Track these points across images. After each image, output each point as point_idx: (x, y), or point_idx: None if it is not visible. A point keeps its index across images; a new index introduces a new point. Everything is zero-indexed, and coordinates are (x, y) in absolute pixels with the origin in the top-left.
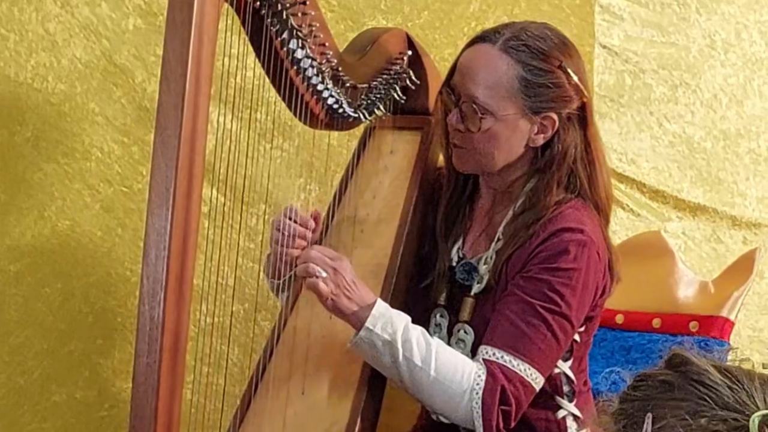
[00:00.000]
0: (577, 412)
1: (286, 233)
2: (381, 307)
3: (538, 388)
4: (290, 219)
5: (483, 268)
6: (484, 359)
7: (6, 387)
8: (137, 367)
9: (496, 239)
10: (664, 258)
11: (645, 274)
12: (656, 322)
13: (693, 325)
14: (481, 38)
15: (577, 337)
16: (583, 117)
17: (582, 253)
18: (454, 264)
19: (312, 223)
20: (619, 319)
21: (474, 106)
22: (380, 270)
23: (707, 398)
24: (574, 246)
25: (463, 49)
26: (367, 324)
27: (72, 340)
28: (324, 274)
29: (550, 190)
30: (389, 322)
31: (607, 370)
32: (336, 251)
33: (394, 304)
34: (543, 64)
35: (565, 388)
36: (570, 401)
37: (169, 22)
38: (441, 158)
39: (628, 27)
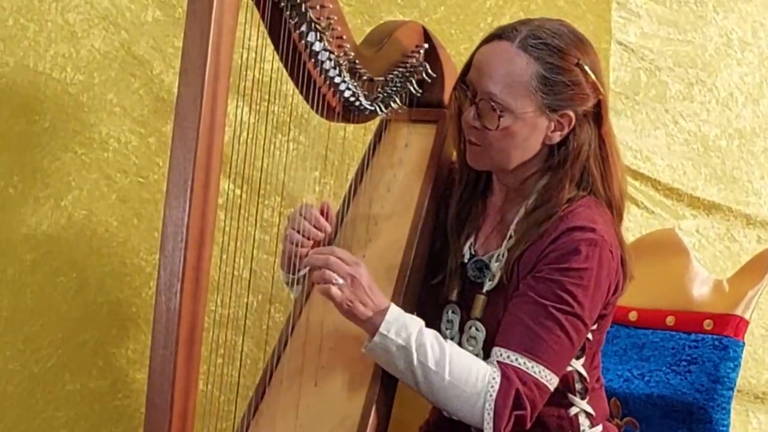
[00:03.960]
0: (589, 409)
1: (300, 231)
2: (394, 311)
3: (552, 388)
4: (305, 219)
5: (495, 266)
6: (498, 361)
7: (20, 375)
8: (153, 358)
9: (508, 236)
10: (678, 256)
11: (659, 272)
12: (670, 320)
13: (707, 324)
14: (498, 36)
15: (589, 335)
16: (598, 114)
17: (593, 252)
18: (466, 261)
19: (328, 228)
20: (633, 316)
21: (492, 103)
22: (394, 264)
23: None
24: (585, 245)
25: (479, 46)
26: (381, 329)
27: (86, 329)
28: (341, 281)
29: (563, 187)
30: (403, 326)
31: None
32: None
33: (407, 299)
34: (561, 61)
35: (578, 386)
36: (582, 398)
37: (188, 14)
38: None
39: (645, 24)
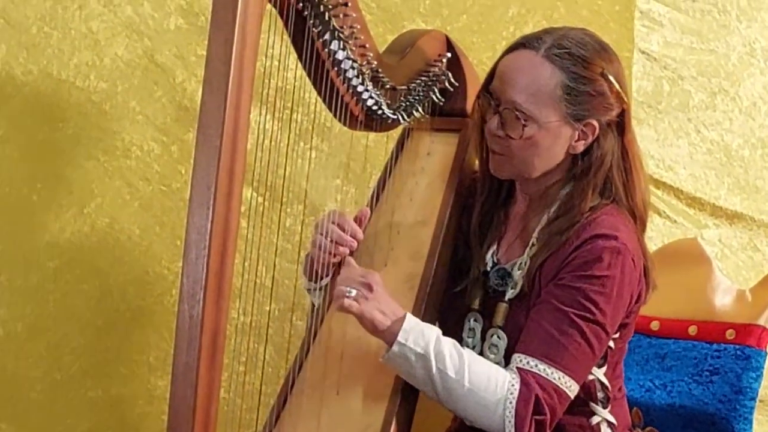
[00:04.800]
0: (611, 419)
1: (329, 239)
2: (411, 320)
3: (572, 396)
4: (336, 225)
5: (517, 274)
6: (517, 368)
7: (43, 382)
8: (176, 365)
9: (530, 245)
10: (700, 265)
11: (681, 282)
12: (692, 330)
13: (729, 333)
14: (523, 45)
15: (611, 343)
16: (621, 124)
17: (616, 261)
18: (488, 269)
19: (360, 235)
20: (655, 325)
21: (516, 112)
22: (416, 273)
23: None
24: (608, 253)
25: (503, 55)
26: (399, 338)
27: (109, 336)
28: (354, 293)
29: (586, 196)
30: (420, 335)
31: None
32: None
33: (429, 308)
34: (586, 71)
35: (600, 395)
36: (604, 407)
37: (213, 22)
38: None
39: (668, 33)
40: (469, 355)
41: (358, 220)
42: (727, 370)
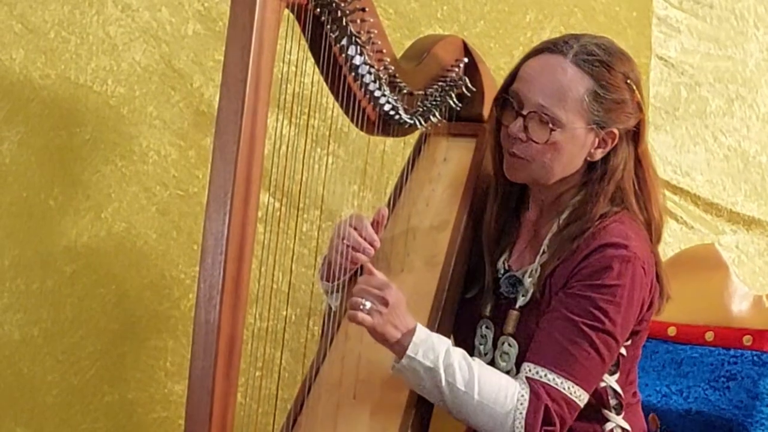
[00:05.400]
0: (625, 425)
1: (348, 243)
2: (422, 333)
3: (582, 405)
4: (355, 229)
5: (528, 282)
6: (527, 377)
7: (59, 386)
8: (193, 370)
9: (541, 252)
10: (717, 271)
11: (698, 287)
12: (709, 336)
13: (747, 339)
14: (549, 49)
15: (623, 351)
16: (637, 134)
17: (626, 269)
18: (499, 276)
19: (377, 242)
20: (672, 331)
21: (543, 116)
22: (432, 280)
23: None
24: (618, 262)
25: (525, 59)
26: (409, 352)
27: (125, 341)
28: (368, 306)
29: (597, 203)
30: (431, 348)
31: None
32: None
33: (445, 315)
34: (612, 79)
35: (612, 402)
36: (618, 414)
37: (230, 27)
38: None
39: (685, 39)
40: (478, 366)
41: (375, 223)
42: (743, 375)
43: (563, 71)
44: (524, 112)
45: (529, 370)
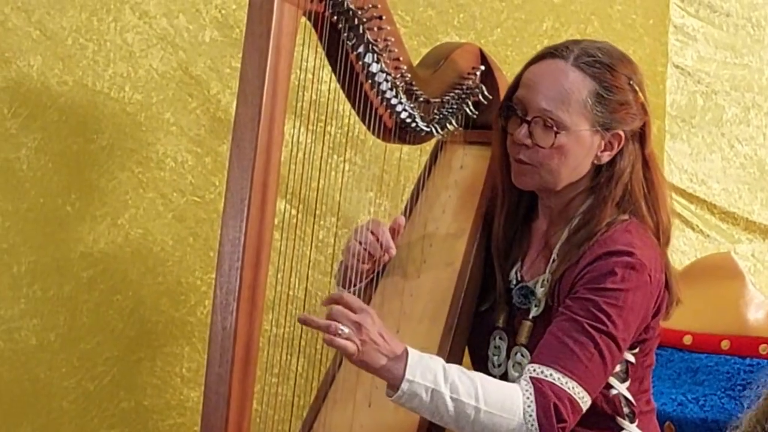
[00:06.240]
0: None
1: (364, 246)
2: (414, 355)
3: (585, 408)
4: (372, 234)
5: (540, 291)
6: (531, 377)
7: (75, 392)
8: (209, 377)
9: (551, 261)
10: (733, 280)
11: (714, 296)
12: (725, 344)
13: (763, 348)
14: (550, 54)
15: (631, 358)
16: (643, 135)
17: (630, 275)
18: (512, 287)
19: (393, 250)
20: (687, 340)
21: (547, 120)
22: (448, 287)
23: None
24: (621, 268)
25: (528, 65)
26: (407, 376)
27: (141, 347)
28: (346, 331)
29: (605, 207)
30: (427, 368)
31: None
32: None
33: (461, 323)
34: (614, 80)
35: (625, 410)
36: (631, 422)
37: (247, 34)
38: None
39: (702, 48)
40: (479, 377)
41: (392, 230)
42: (760, 384)
43: (565, 75)
44: (528, 118)
45: (534, 370)
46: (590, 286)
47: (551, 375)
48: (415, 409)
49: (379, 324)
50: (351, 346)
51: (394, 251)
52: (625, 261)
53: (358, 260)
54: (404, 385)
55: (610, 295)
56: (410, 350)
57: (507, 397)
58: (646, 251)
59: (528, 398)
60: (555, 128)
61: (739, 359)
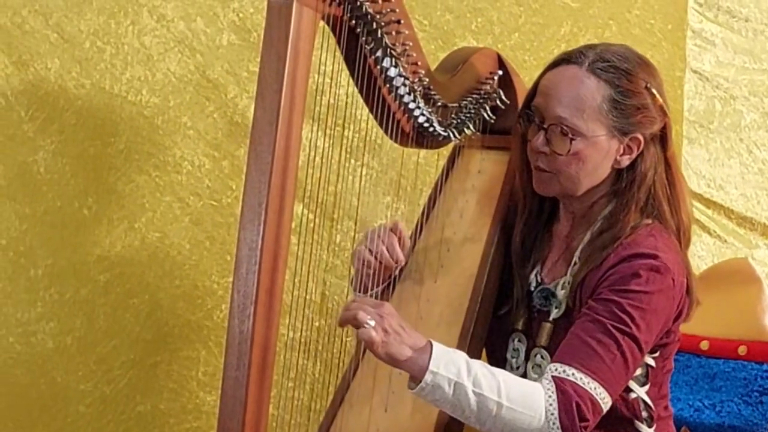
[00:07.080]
0: None
1: (374, 253)
2: (438, 347)
3: (605, 409)
4: (382, 241)
5: (561, 293)
6: (553, 376)
7: (92, 396)
8: (225, 381)
9: (572, 263)
10: (751, 285)
11: (731, 301)
12: (742, 350)
13: None
14: (565, 60)
15: (651, 362)
16: (664, 138)
17: (654, 278)
18: (532, 289)
19: (402, 260)
20: (704, 345)
21: (563, 128)
22: (465, 292)
23: None
24: (646, 270)
25: (544, 72)
26: (431, 367)
27: (158, 351)
28: (372, 323)
29: (629, 211)
30: (451, 360)
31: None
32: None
33: (478, 327)
34: (630, 84)
35: (644, 414)
36: (649, 426)
37: (266, 38)
38: None
39: (720, 53)
40: (501, 373)
41: (394, 233)
42: None
43: (580, 81)
44: (545, 125)
45: (555, 369)
46: (614, 288)
47: (573, 375)
48: (436, 402)
49: (399, 317)
50: (376, 337)
51: (403, 260)
52: (649, 264)
53: (366, 266)
54: (428, 377)
55: (634, 297)
56: (434, 343)
57: (529, 395)
58: (670, 255)
59: (550, 396)
60: (571, 135)
61: (756, 365)
